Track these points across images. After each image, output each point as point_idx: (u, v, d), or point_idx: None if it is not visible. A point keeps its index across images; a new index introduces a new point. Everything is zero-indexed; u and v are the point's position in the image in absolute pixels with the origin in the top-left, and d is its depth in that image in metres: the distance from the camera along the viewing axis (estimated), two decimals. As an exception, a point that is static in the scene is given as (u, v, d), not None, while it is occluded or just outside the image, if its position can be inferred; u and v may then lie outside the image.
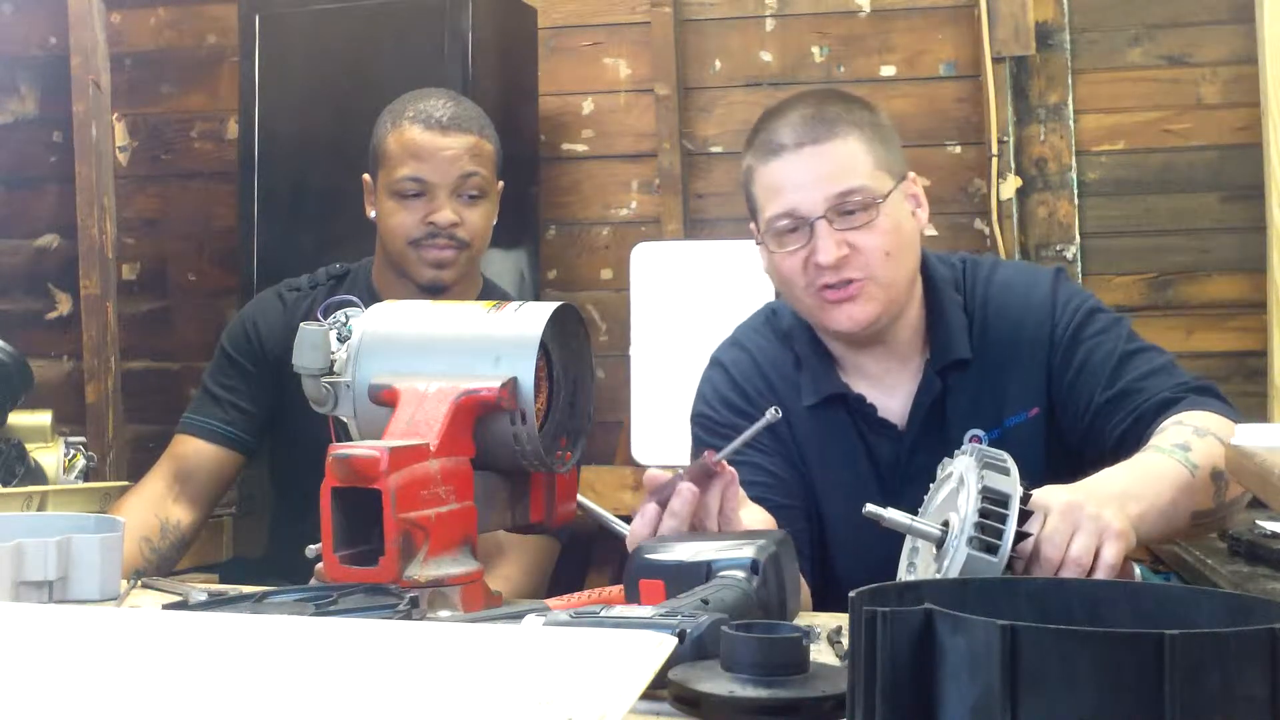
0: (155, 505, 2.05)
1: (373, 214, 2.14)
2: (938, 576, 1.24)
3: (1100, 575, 1.25)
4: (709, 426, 1.74)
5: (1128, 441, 1.56)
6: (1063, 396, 1.67)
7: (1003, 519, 1.23)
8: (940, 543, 1.27)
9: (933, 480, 1.39)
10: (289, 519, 2.21)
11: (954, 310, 1.70)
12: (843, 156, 1.62)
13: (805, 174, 1.62)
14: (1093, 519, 1.27)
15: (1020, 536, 1.23)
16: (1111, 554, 1.25)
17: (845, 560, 1.69)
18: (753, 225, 1.72)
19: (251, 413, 2.12)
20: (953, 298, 1.71)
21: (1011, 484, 1.25)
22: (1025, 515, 1.25)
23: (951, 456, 1.37)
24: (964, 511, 1.24)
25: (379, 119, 2.15)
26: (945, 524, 1.28)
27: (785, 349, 1.75)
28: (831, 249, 1.60)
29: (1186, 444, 1.48)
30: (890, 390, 1.71)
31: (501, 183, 2.16)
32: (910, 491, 1.36)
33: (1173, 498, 1.42)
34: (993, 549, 1.21)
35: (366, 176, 2.15)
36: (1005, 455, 1.30)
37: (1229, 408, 1.60)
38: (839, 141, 1.62)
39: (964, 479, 1.28)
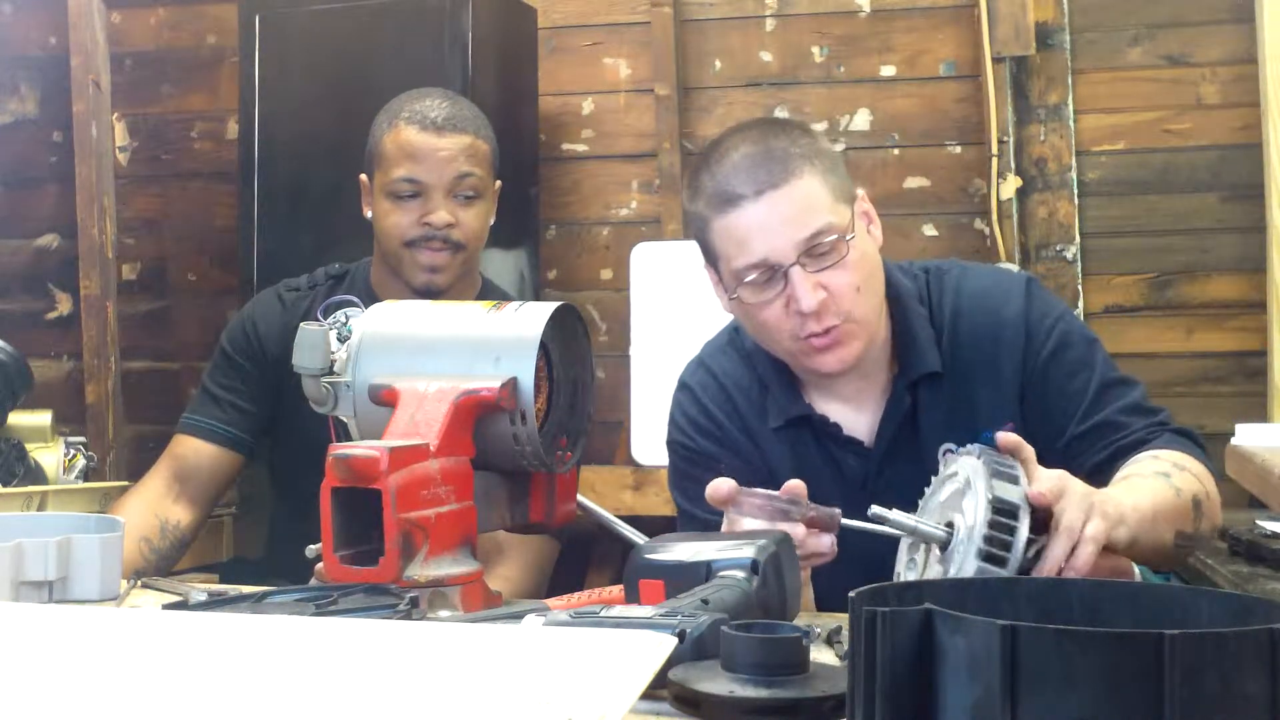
0: (155, 505, 2.05)
1: (370, 214, 2.14)
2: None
3: (1086, 549, 1.26)
4: (689, 456, 1.74)
5: (1098, 474, 1.56)
6: (1036, 418, 1.66)
7: (1011, 530, 1.23)
8: (945, 545, 1.27)
9: (904, 495, 1.38)
10: (289, 519, 2.21)
11: (920, 324, 1.68)
12: (803, 197, 1.57)
13: (771, 222, 1.56)
14: (1084, 495, 1.30)
15: (1028, 544, 1.25)
16: (1096, 529, 1.28)
17: (826, 575, 1.69)
18: (709, 270, 1.68)
19: (251, 412, 2.12)
20: (918, 311, 1.69)
21: (1020, 493, 1.26)
22: (1035, 523, 1.26)
23: (940, 458, 1.38)
24: (972, 519, 1.24)
25: (376, 119, 2.14)
26: (949, 525, 1.28)
27: (749, 370, 1.74)
28: (811, 294, 1.56)
29: (1167, 473, 1.51)
30: (858, 408, 1.69)
31: (499, 182, 2.16)
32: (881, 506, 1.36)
33: (1155, 508, 1.43)
34: (1002, 561, 1.22)
35: (363, 177, 2.15)
36: (1014, 462, 1.30)
37: (1203, 452, 1.62)
38: (796, 181, 1.57)
39: (971, 483, 1.28)
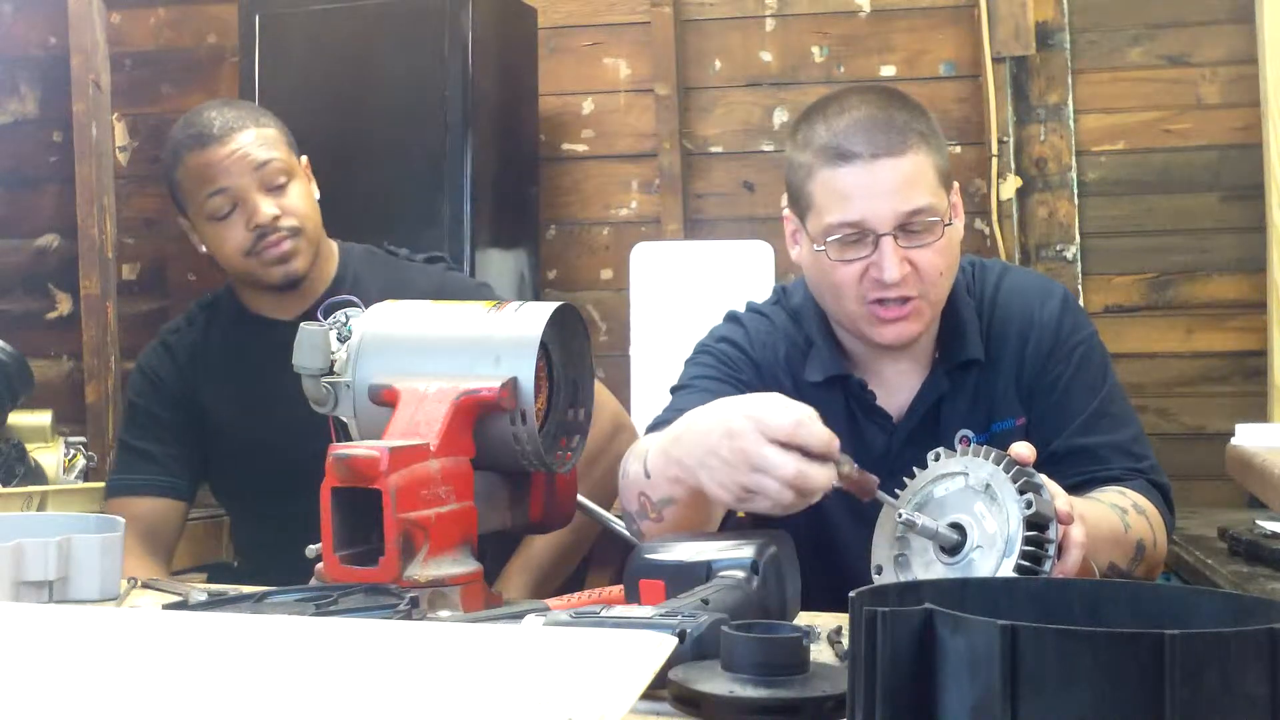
0: None
1: (204, 249, 2.10)
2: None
3: (1077, 553, 1.31)
4: (717, 355, 1.74)
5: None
6: (1032, 421, 1.69)
7: (1045, 544, 1.26)
8: (956, 550, 1.29)
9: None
10: (259, 540, 2.19)
11: (968, 312, 1.71)
12: (914, 172, 1.59)
13: (878, 187, 1.58)
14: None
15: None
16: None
17: (841, 542, 1.70)
18: (791, 215, 1.70)
19: (179, 456, 2.08)
20: (966, 300, 1.72)
21: (1049, 506, 1.28)
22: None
23: (956, 444, 1.38)
24: (998, 528, 1.27)
25: (164, 162, 2.13)
26: (953, 525, 1.29)
27: (797, 326, 1.77)
28: (895, 268, 1.58)
29: (1125, 509, 1.55)
30: (894, 385, 1.72)
31: (305, 157, 2.13)
32: (896, 484, 1.36)
33: (1100, 531, 1.44)
34: (1036, 574, 1.25)
35: (181, 220, 2.13)
36: (1034, 472, 1.31)
37: (1169, 510, 1.65)
38: (910, 155, 1.59)
39: (993, 490, 1.28)
